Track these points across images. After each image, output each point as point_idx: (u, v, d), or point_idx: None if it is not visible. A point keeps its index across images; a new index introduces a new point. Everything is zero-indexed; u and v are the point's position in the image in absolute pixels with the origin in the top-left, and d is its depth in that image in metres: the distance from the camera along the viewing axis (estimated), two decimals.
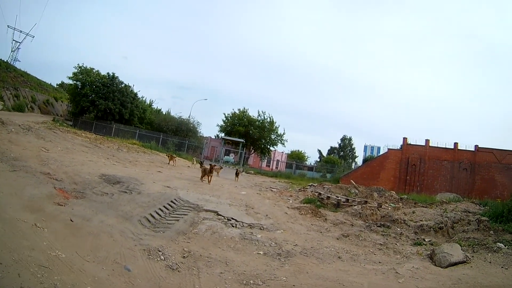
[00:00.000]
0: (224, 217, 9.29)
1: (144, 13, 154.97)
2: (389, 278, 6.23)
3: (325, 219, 11.42)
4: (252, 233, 8.32)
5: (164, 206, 9.24)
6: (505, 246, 8.06)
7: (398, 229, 10.42)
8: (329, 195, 15.74)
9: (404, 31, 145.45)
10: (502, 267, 7.02)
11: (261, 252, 6.96)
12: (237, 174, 21.91)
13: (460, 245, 8.07)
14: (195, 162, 26.48)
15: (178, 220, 8.30)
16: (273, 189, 19.48)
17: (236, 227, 8.68)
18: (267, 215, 10.66)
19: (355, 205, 13.81)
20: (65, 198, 7.98)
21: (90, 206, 7.88)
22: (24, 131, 16.66)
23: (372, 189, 22.19)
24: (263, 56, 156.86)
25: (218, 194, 12.98)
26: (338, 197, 15.73)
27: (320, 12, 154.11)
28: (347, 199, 14.82)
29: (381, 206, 13.95)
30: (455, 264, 7.14)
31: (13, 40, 59.98)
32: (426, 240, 9.50)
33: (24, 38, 60.95)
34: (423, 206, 14.30)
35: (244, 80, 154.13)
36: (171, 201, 9.90)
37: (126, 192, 9.97)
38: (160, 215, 8.43)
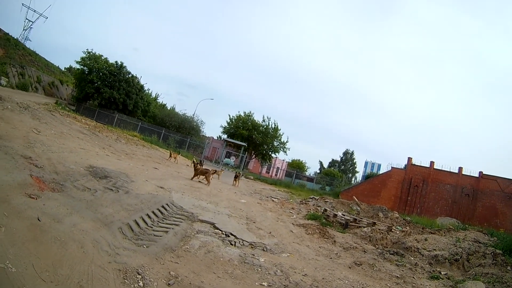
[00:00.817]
0: (222, 231, 7.98)
1: (158, 8, 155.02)
2: None
3: (334, 241, 10.29)
4: (253, 255, 7.02)
5: (153, 212, 7.89)
6: None
7: (412, 258, 9.67)
8: (335, 213, 14.67)
9: (415, 53, 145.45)
10: None
11: (265, 284, 5.63)
12: (236, 178, 20.92)
13: (478, 280, 7.74)
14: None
15: (167, 231, 6.96)
16: (274, 199, 18.45)
17: (235, 245, 7.36)
18: (270, 233, 9.40)
19: (364, 227, 12.80)
20: (40, 189, 6.66)
21: (66, 203, 6.53)
22: (21, 109, 15.66)
23: (375, 208, 21.83)
24: (271, 63, 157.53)
25: (216, 201, 11.78)
26: (344, 215, 14.95)
27: (333, 25, 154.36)
28: (355, 219, 13.74)
29: (391, 230, 13.21)
30: None
31: (26, 19, 60.02)
32: (442, 273, 8.67)
33: (38, 18, 61.24)
34: (431, 232, 13.56)
35: (250, 85, 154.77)
36: (162, 206, 8.57)
37: (112, 189, 8.62)
38: (146, 223, 7.09)
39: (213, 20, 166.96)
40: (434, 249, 10.53)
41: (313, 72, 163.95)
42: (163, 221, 7.60)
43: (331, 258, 8.54)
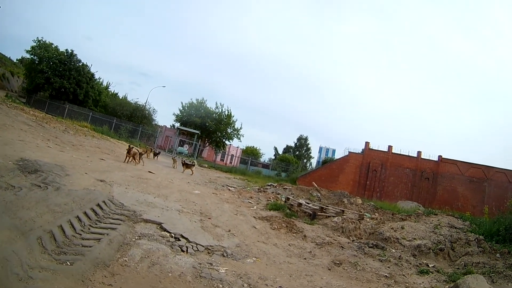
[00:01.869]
0: (170, 233, 6.31)
1: None
2: None
3: (304, 235, 8.95)
4: (211, 264, 5.42)
5: (85, 213, 6.11)
6: None
7: (394, 250, 8.85)
8: (299, 201, 13.40)
9: (369, 37, 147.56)
10: None
11: None
12: (188, 166, 19.75)
13: (472, 272, 7.12)
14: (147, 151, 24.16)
15: (100, 239, 5.23)
16: (230, 188, 17.00)
17: (187, 252, 5.71)
18: (230, 230, 7.81)
19: (333, 216, 11.62)
20: None
21: None
22: None
23: (337, 193, 21.39)
24: (226, 50, 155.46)
25: (166, 194, 10.11)
26: (309, 203, 13.83)
27: (288, 12, 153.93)
28: (322, 208, 12.51)
29: (362, 218, 12.12)
30: None
31: None
32: (430, 265, 7.97)
33: None
34: (402, 218, 12.76)
35: (203, 72, 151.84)
36: (98, 205, 6.77)
37: (40, 186, 6.81)
38: (75, 229, 5.35)
39: (166, 6, 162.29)
40: (414, 238, 9.86)
41: (266, 58, 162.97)
42: (96, 224, 5.87)
43: (305, 258, 7.16)
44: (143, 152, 18.15)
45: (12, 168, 7.49)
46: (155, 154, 23.78)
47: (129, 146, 17.94)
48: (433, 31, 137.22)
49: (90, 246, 4.93)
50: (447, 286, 6.62)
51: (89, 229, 5.58)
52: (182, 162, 20.75)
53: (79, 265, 4.32)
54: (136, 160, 16.37)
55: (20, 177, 7.09)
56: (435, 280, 6.97)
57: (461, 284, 6.13)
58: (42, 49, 35.70)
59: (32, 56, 36.12)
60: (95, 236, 5.35)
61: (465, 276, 6.81)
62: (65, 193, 6.85)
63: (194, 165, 20.40)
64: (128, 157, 16.19)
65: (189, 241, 6.17)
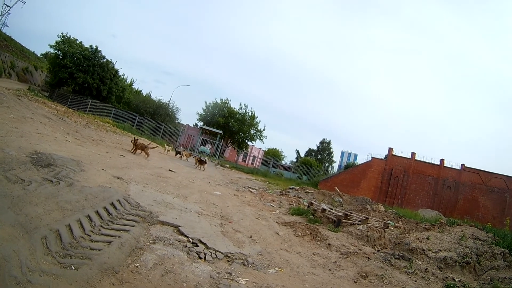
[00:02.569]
0: (188, 237, 5.98)
1: None
2: None
3: (329, 244, 8.55)
4: (231, 274, 5.04)
5: (96, 212, 5.80)
6: None
7: (420, 262, 8.38)
8: (323, 207, 13.00)
9: (394, 45, 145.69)
10: None
11: None
12: (200, 162, 20.24)
13: None
14: (167, 149, 24.42)
15: (111, 242, 4.90)
16: (251, 190, 16.75)
17: (205, 259, 5.35)
18: (251, 236, 7.46)
19: (358, 224, 11.17)
20: None
21: None
22: None
23: (359, 199, 21.06)
24: (252, 52, 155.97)
25: (186, 194, 9.82)
26: (332, 209, 13.53)
27: (316, 17, 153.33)
28: (346, 215, 12.06)
29: (387, 227, 11.67)
30: None
31: (4, 3, 56.46)
32: (456, 279, 7.56)
33: (15, 3, 57.22)
34: (425, 228, 12.26)
35: (228, 73, 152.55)
36: (112, 203, 6.48)
37: (51, 181, 6.49)
38: (84, 229, 5.04)
39: (193, 7, 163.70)
40: (440, 250, 9.29)
41: (291, 63, 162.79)
42: (108, 225, 5.54)
43: (330, 269, 6.74)
44: (149, 145, 18.10)
45: (25, 161, 7.21)
46: (178, 153, 23.58)
47: (134, 137, 18.28)
48: (458, 39, 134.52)
49: (99, 250, 4.59)
50: None
51: (99, 230, 5.25)
52: (196, 159, 21.03)
53: (85, 270, 3.99)
54: (147, 153, 16.48)
55: (32, 171, 6.81)
56: None
57: None
58: (67, 44, 35.90)
59: (56, 51, 36.13)
60: (106, 238, 5.02)
61: None
62: (77, 189, 6.53)
63: (206, 163, 20.54)
64: (135, 149, 16.52)
65: (207, 247, 5.81)
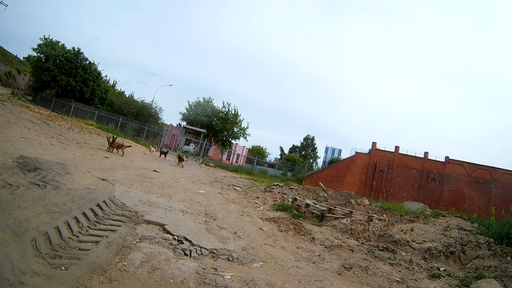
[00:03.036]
0: (173, 235, 6.06)
1: None
2: None
3: (312, 238, 8.70)
4: (216, 269, 5.15)
5: (83, 213, 5.87)
6: None
7: (404, 253, 8.58)
8: (307, 202, 13.16)
9: (377, 37, 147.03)
10: None
11: None
12: (179, 159, 20.69)
13: (484, 277, 7.06)
14: (152, 150, 24.86)
15: (98, 242, 5.00)
16: (236, 188, 16.84)
17: (191, 255, 5.44)
18: (236, 233, 7.55)
19: (342, 218, 11.33)
20: None
21: None
22: None
23: (343, 194, 21.24)
24: (235, 50, 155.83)
25: (170, 193, 9.86)
26: (316, 204, 13.68)
27: (295, 12, 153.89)
28: (330, 209, 12.21)
29: (371, 220, 11.80)
30: None
31: None
32: (441, 269, 7.76)
33: None
34: (410, 220, 12.48)
35: (210, 71, 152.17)
36: (98, 204, 6.54)
37: (38, 185, 6.56)
38: (72, 231, 5.12)
39: (173, 7, 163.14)
40: (424, 241, 9.50)
41: (273, 59, 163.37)
42: (95, 225, 5.64)
43: (314, 262, 6.88)
44: (125, 144, 18.34)
45: (11, 166, 7.25)
46: (163, 153, 23.53)
47: (112, 136, 18.34)
48: (442, 32, 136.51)
49: (87, 250, 4.70)
50: None
51: (87, 230, 5.36)
52: (177, 156, 21.45)
53: (74, 270, 4.10)
54: (123, 152, 16.89)
55: (19, 175, 6.87)
56: (447, 285, 6.77)
57: None
58: (49, 47, 35.44)
59: (38, 54, 35.77)
60: (93, 239, 5.12)
61: (478, 281, 6.78)
62: (64, 192, 6.60)
63: (183, 160, 20.93)
64: (111, 148, 16.71)
65: (193, 244, 5.91)
